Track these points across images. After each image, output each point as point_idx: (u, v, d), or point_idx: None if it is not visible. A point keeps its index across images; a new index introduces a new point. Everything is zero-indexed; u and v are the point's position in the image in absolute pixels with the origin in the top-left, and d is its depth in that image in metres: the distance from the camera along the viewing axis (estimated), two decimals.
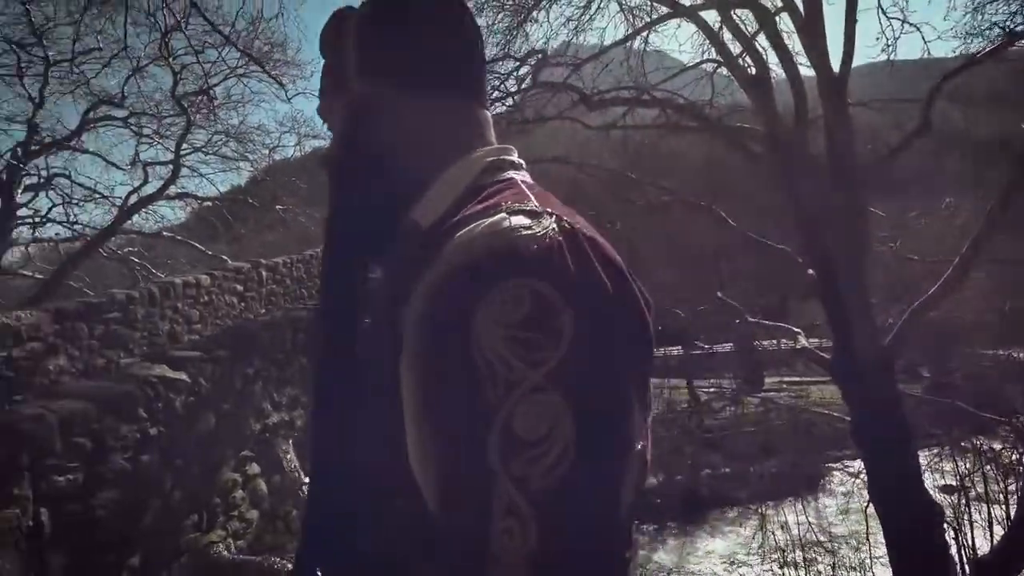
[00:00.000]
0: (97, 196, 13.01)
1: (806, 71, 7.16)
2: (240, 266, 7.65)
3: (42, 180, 12.71)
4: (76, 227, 13.11)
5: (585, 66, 9.00)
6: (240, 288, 7.12)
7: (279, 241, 14.62)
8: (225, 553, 2.65)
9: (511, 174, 0.71)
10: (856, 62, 6.89)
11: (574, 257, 0.57)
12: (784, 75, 7.06)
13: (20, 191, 12.03)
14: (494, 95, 7.85)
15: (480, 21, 8.41)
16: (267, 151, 13.58)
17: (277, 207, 14.30)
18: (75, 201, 12.87)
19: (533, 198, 0.65)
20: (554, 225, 0.59)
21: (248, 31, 11.02)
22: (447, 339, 0.56)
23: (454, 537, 0.53)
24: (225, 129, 12.46)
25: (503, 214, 0.60)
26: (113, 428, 2.73)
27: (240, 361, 3.69)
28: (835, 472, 16.15)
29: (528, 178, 0.73)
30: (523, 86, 8.24)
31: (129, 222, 12.07)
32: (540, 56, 7.94)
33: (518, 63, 7.88)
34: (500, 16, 8.53)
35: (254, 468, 3.77)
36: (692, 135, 9.66)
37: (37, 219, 12.86)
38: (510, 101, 8.93)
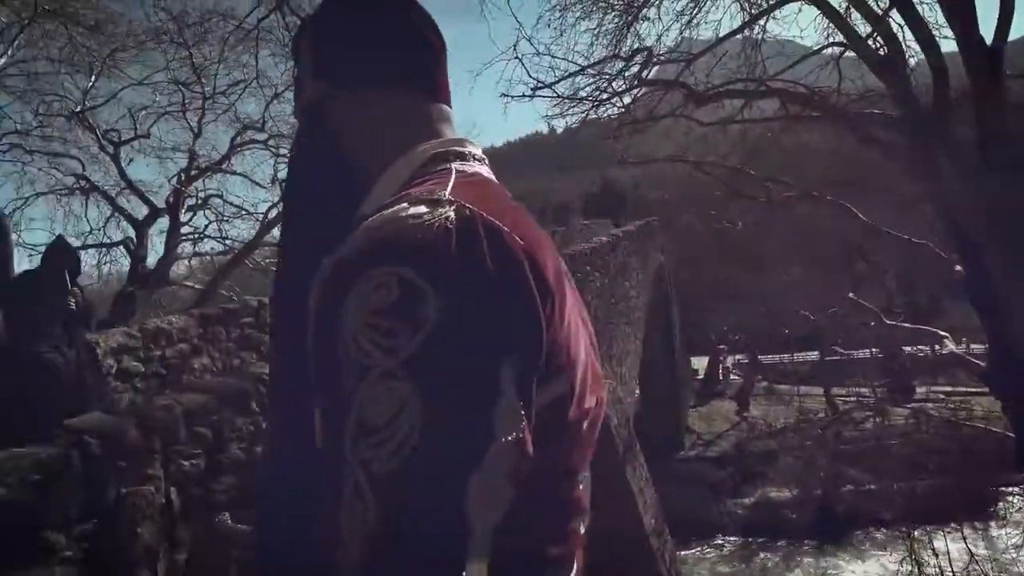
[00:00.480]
0: (244, 213, 14.40)
1: (947, 47, 6.43)
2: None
3: (200, 201, 14.26)
4: (227, 241, 14.58)
5: (699, 61, 8.69)
6: None
7: None
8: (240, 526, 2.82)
9: (452, 165, 0.70)
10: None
11: (457, 245, 0.56)
12: (920, 54, 6.40)
13: (183, 211, 13.54)
14: (602, 96, 7.77)
15: (586, 24, 8.39)
16: None
17: None
18: (226, 218, 14.32)
19: (449, 187, 0.63)
20: (449, 213, 0.58)
21: None
22: (323, 327, 0.57)
23: (320, 521, 0.54)
24: None
25: (404, 204, 0.60)
26: (230, 420, 3.01)
27: None
28: (1012, 497, 14.23)
29: (474, 168, 0.72)
30: (631, 85, 8.10)
31: (269, 236, 13.21)
32: (646, 54, 7.77)
33: (625, 63, 7.75)
34: (609, 17, 8.45)
35: None
36: (817, 125, 9.00)
37: (197, 235, 14.43)
38: (620, 102, 8.81)
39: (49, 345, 4.12)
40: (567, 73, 6.78)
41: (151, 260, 13.11)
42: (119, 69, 13.09)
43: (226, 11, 11.78)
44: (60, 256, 4.39)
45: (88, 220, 14.00)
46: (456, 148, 0.74)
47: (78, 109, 12.78)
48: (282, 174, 14.35)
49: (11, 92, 12.36)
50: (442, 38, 0.81)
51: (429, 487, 0.51)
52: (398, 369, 0.52)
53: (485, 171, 0.74)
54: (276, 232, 13.88)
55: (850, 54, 7.72)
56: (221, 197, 14.46)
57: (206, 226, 14.27)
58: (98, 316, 6.54)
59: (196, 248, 14.84)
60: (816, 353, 21.15)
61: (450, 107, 0.80)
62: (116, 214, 13.89)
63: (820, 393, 20.05)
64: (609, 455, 6.74)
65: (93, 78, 12.75)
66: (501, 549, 0.56)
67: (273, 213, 13.21)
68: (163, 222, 13.39)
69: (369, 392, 0.53)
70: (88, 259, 14.56)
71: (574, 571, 0.69)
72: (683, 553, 14.16)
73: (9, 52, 11.59)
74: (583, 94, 7.25)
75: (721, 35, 8.75)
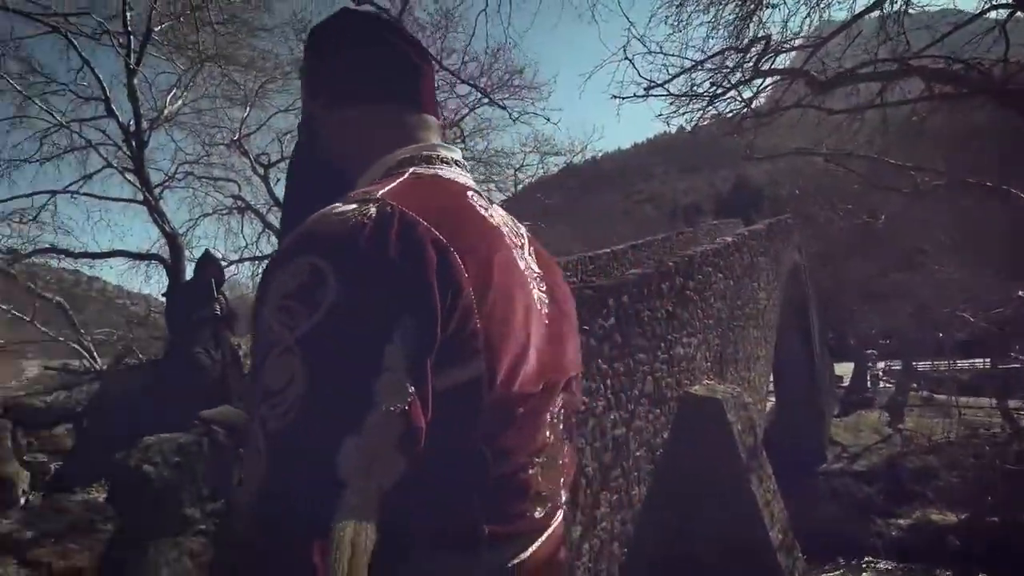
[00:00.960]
0: None
1: None
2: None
3: None
4: None
5: (831, 43, 8.09)
6: None
7: None
8: None
9: (413, 168, 0.78)
10: None
11: (367, 237, 0.62)
12: None
13: None
14: (718, 91, 7.47)
15: (701, 18, 8.09)
16: (512, 171, 14.66)
17: (524, 223, 15.35)
18: None
19: (390, 187, 0.70)
20: (371, 209, 0.64)
21: (487, 63, 12.14)
22: (257, 310, 0.65)
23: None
24: (473, 155, 13.76)
25: (338, 202, 0.67)
26: None
27: None
28: None
29: (434, 171, 0.79)
30: (750, 77, 7.69)
31: None
32: (765, 42, 7.36)
33: (743, 54, 7.39)
34: (729, 7, 8.08)
35: None
36: (975, 103, 8.02)
37: None
38: (740, 95, 8.40)
39: (200, 346, 4.68)
40: (682, 70, 6.59)
41: None
42: (268, 99, 14.60)
43: None
44: (207, 267, 4.99)
45: (244, 236, 15.64)
46: (425, 152, 0.81)
47: (235, 137, 14.32)
48: None
49: (184, 128, 14.13)
50: (425, 55, 0.88)
51: (306, 447, 0.57)
52: (294, 345, 0.59)
53: (449, 172, 0.80)
54: None
55: (1021, 15, 6.78)
56: None
57: None
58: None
59: None
60: (983, 360, 18.79)
61: (435, 115, 0.88)
62: (266, 229, 15.37)
63: (988, 405, 17.77)
64: (731, 464, 6.45)
65: (247, 109, 14.29)
66: (425, 519, 0.63)
67: None
68: None
69: (272, 362, 0.60)
70: (244, 271, 16.29)
71: (527, 553, 0.71)
72: (825, 575, 13.14)
73: (184, 94, 13.23)
74: (700, 90, 7.01)
75: (856, 12, 8.09)
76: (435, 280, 0.63)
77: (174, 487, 2.58)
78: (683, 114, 7.11)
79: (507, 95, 12.59)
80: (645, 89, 6.32)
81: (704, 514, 6.15)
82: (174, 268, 13.49)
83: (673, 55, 6.52)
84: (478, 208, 0.78)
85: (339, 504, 0.56)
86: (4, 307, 10.64)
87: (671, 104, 6.93)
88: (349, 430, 0.57)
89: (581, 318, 5.62)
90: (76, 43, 11.79)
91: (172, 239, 13.33)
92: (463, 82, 10.92)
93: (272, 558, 0.55)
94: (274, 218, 15.43)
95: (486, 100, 12.67)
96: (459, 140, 13.67)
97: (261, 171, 14.83)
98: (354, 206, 0.66)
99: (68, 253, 12.98)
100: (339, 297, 0.60)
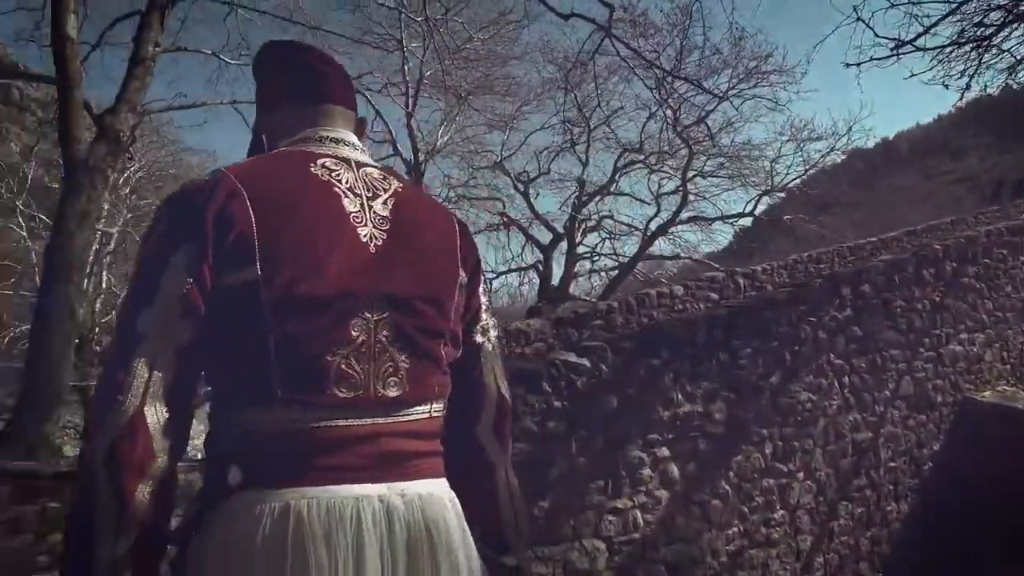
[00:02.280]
0: (634, 229, 15.59)
1: None
2: (714, 275, 8.06)
3: (595, 223, 16.02)
4: (621, 257, 15.96)
5: None
6: (715, 296, 7.52)
7: (788, 247, 14.34)
8: None
9: (284, 147, 1.07)
10: None
11: (190, 192, 0.95)
12: None
13: (579, 234, 15.40)
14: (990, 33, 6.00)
15: None
16: (768, 163, 13.68)
17: (785, 217, 14.21)
18: (616, 236, 15.73)
19: (242, 162, 1.03)
20: (207, 175, 0.98)
21: (732, 52, 11.55)
22: None
23: None
24: (720, 151, 13.19)
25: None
26: (522, 396, 3.52)
27: (646, 352, 4.09)
28: None
29: (298, 148, 1.06)
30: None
31: (654, 248, 14.00)
32: None
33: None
34: None
35: (663, 452, 4.08)
36: None
37: (592, 254, 16.23)
38: None
39: None
40: (947, 11, 5.48)
41: (555, 279, 15.36)
42: (524, 121, 15.93)
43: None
44: None
45: (510, 249, 17.22)
46: (307, 135, 1.09)
47: (497, 160, 15.87)
48: (667, 188, 15.03)
49: (452, 156, 16.13)
50: (328, 61, 1.18)
51: (123, 315, 0.92)
52: (136, 259, 0.99)
53: (312, 147, 1.07)
54: (659, 244, 14.63)
55: None
56: (611, 217, 15.96)
57: (597, 244, 15.91)
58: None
59: (593, 265, 16.70)
60: None
61: (342, 104, 1.15)
62: (528, 242, 16.66)
63: None
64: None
65: (507, 133, 15.80)
66: (234, 382, 0.92)
67: (653, 225, 13.99)
68: (564, 245, 15.51)
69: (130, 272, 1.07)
70: (512, 280, 17.86)
71: (333, 423, 0.91)
72: None
73: (451, 127, 15.15)
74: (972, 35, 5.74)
75: None
76: (214, 215, 0.91)
77: None
78: (954, 73, 5.88)
79: (754, 83, 11.82)
80: (894, 48, 5.40)
81: (997, 546, 5.03)
82: None
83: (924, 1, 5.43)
84: (312, 170, 1.01)
85: (138, 349, 0.86)
86: None
87: (935, 58, 5.80)
88: (146, 304, 0.89)
89: (809, 307, 5.07)
90: (369, 97, 14.39)
91: None
92: (704, 91, 10.49)
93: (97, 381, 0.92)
94: (536, 231, 16.78)
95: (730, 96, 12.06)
96: (707, 138, 13.20)
97: (521, 188, 16.24)
98: (207, 176, 0.99)
99: None
100: (158, 227, 0.95)
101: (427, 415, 0.99)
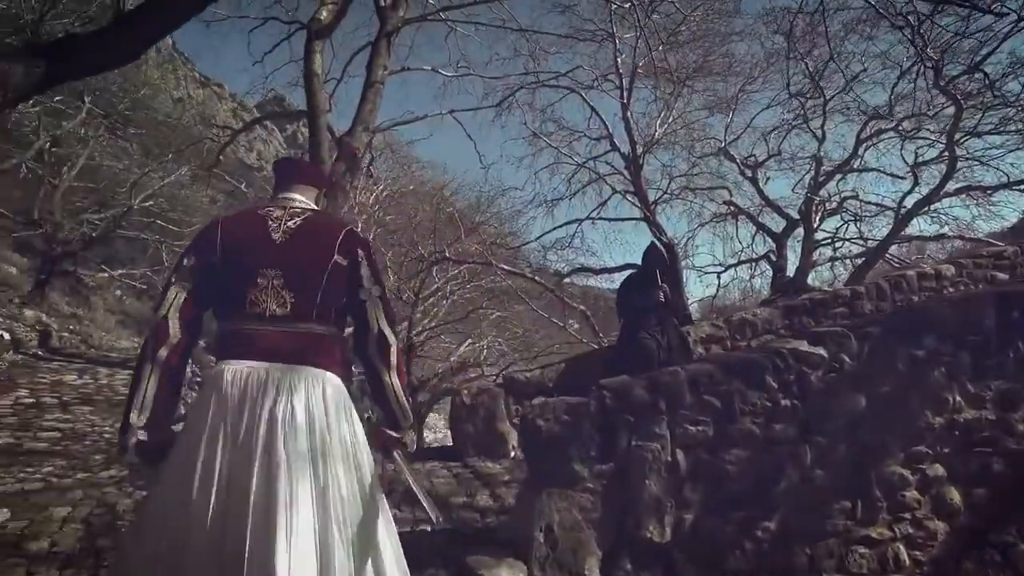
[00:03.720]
0: (884, 209, 13.38)
1: None
2: (1002, 250, 6.33)
3: (838, 204, 14.05)
4: (869, 241, 13.80)
5: None
6: (1003, 276, 5.90)
7: None
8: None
9: (262, 206, 1.96)
10: None
11: (200, 232, 1.92)
12: None
13: (816, 218, 13.64)
14: None
15: None
16: None
17: None
18: (862, 217, 13.63)
19: (231, 214, 2.02)
20: (210, 221, 1.96)
21: None
22: None
23: None
24: (1005, 100, 10.52)
25: None
26: (741, 392, 2.94)
27: (904, 340, 3.21)
28: None
29: (267, 206, 1.94)
30: None
31: (915, 229, 11.79)
32: None
33: None
34: None
35: (937, 470, 3.15)
36: None
37: (833, 239, 14.27)
38: None
39: (645, 331, 4.96)
40: None
41: (790, 269, 13.74)
42: (748, 101, 14.54)
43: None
44: (650, 258, 5.26)
45: (738, 239, 15.86)
46: (276, 198, 2.00)
47: (722, 145, 14.72)
48: (927, 156, 12.65)
49: (672, 146, 15.30)
50: (295, 162, 2.18)
51: (168, 275, 1.93)
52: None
53: (271, 204, 1.96)
54: (917, 224, 12.32)
55: None
56: (856, 197, 13.87)
57: (839, 228, 13.96)
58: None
59: (836, 252, 14.68)
60: None
61: (298, 183, 2.03)
62: (759, 231, 15.18)
63: None
64: None
65: (730, 116, 14.56)
66: (217, 309, 1.88)
67: (909, 202, 11.83)
68: (800, 232, 13.84)
69: None
70: (742, 274, 16.45)
71: (248, 328, 1.80)
72: None
73: (670, 115, 14.42)
74: None
75: None
76: (204, 241, 1.86)
77: (563, 442, 2.81)
78: None
79: None
80: None
81: None
82: (672, 273, 14.70)
83: None
84: (259, 213, 1.90)
85: (170, 288, 1.82)
86: (545, 316, 13.69)
87: None
88: (166, 292, 1.83)
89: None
90: (585, 96, 14.34)
91: (669, 248, 14.56)
92: (988, 12, 8.44)
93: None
94: (767, 218, 15.18)
95: None
96: (985, 88, 10.64)
97: (749, 173, 14.82)
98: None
99: (591, 270, 15.71)
100: (189, 243, 1.94)
101: (308, 330, 1.81)
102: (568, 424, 2.82)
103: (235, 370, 1.68)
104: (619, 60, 13.45)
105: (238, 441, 1.59)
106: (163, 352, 1.72)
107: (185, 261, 1.82)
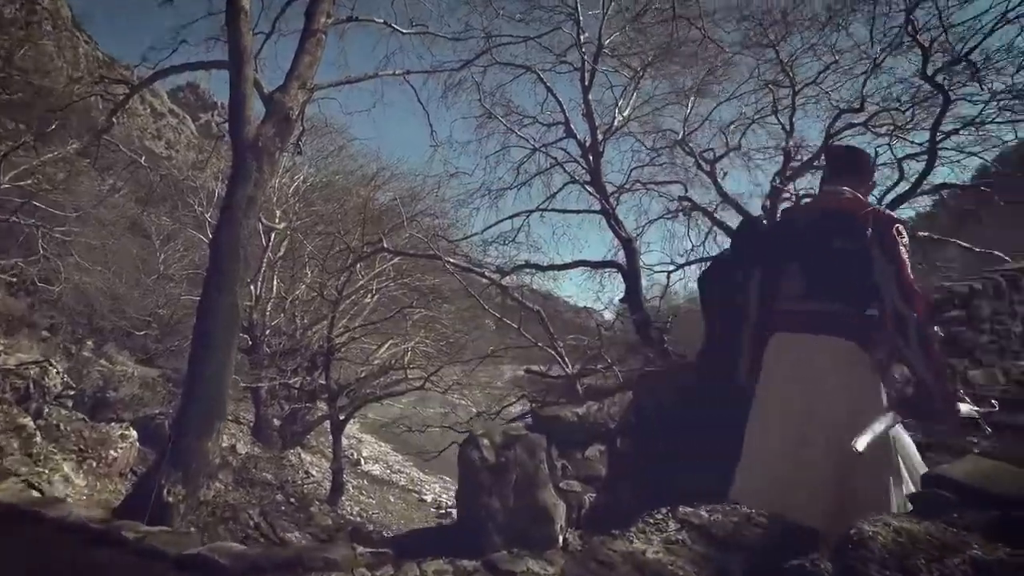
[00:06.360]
0: None
1: None
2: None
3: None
4: None
5: None
6: None
7: None
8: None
9: None
10: None
11: None
12: None
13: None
14: None
15: None
16: None
17: None
18: None
19: None
20: None
21: None
22: None
23: None
24: (993, 92, 10.01)
25: None
26: None
27: None
28: None
29: None
30: None
31: None
32: None
33: None
34: None
35: None
36: None
37: None
38: None
39: None
40: None
41: None
42: (709, 91, 13.70)
43: None
44: (742, 238, 4.01)
45: (690, 238, 15.04)
46: None
47: (679, 137, 13.84)
48: (883, 157, 12.19)
49: (631, 136, 14.31)
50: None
51: None
52: None
53: None
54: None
55: None
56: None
57: None
58: None
59: None
60: None
61: None
62: (714, 227, 14.40)
63: None
64: None
65: (688, 107, 13.65)
66: None
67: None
68: None
69: None
70: (690, 274, 15.63)
71: None
72: None
73: (632, 101, 13.41)
74: None
75: None
76: None
77: None
78: None
79: None
80: None
81: None
82: (631, 273, 13.67)
83: None
84: None
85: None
86: (496, 315, 12.35)
87: None
88: None
89: None
90: (542, 76, 13.07)
91: (627, 244, 13.52)
92: None
93: None
94: (722, 215, 14.38)
95: None
96: (973, 76, 10.18)
97: (707, 167, 13.99)
98: None
99: (538, 267, 14.43)
100: None
101: None
102: None
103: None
104: (581, 38, 12.30)
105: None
106: None
107: None
